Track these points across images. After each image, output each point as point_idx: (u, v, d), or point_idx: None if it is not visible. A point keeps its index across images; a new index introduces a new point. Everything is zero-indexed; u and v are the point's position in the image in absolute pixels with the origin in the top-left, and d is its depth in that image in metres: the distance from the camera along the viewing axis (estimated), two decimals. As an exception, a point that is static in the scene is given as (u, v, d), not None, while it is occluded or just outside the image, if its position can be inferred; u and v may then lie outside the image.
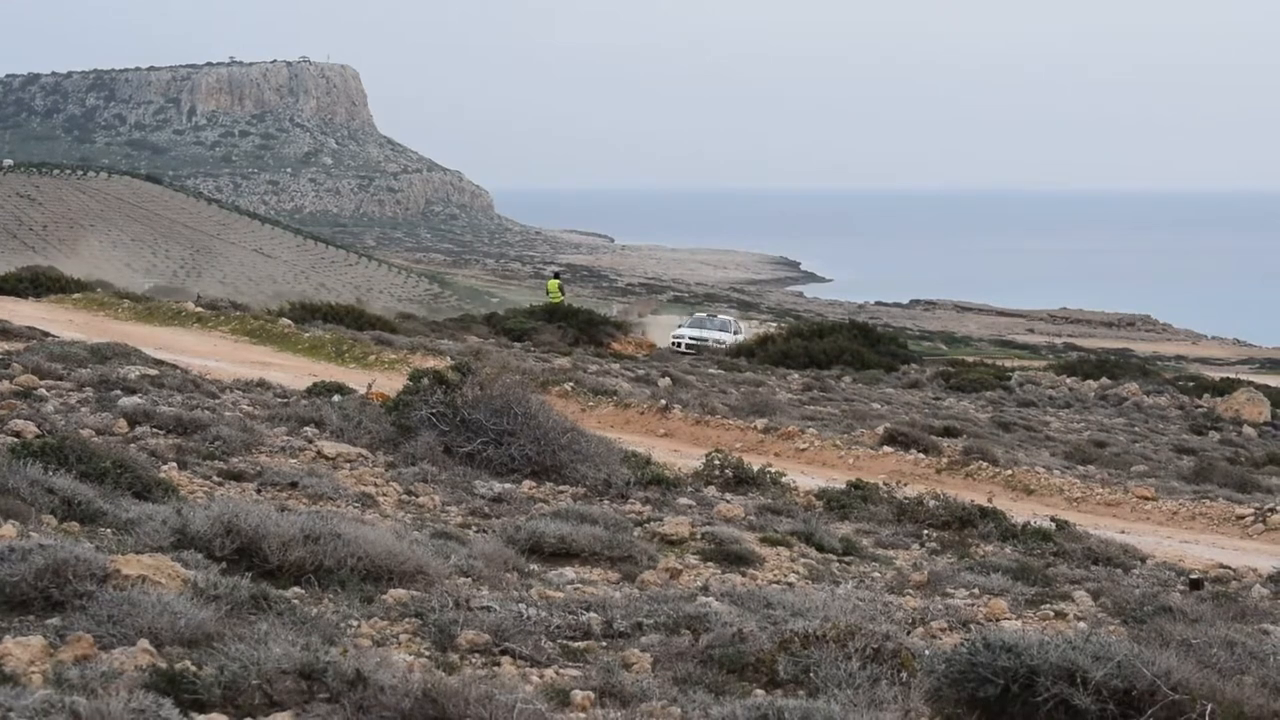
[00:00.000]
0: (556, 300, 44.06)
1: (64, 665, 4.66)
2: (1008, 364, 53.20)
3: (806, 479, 14.65)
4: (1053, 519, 12.75)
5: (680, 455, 15.97)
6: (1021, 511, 13.52)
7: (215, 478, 9.65)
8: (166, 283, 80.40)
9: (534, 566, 8.18)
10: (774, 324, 59.99)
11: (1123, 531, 14.14)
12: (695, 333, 45.93)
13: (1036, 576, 9.85)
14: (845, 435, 19.51)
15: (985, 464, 17.62)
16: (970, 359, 58.56)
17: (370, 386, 15.11)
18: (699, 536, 9.88)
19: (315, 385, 16.08)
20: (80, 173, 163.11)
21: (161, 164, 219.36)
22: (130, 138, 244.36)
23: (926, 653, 6.02)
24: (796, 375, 32.15)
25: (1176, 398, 36.29)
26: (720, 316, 53.38)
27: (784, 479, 13.48)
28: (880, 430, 19.66)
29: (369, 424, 12.45)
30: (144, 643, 4.93)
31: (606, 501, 11.13)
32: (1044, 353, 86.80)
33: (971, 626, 7.59)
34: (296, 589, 6.39)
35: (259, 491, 9.40)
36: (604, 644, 6.22)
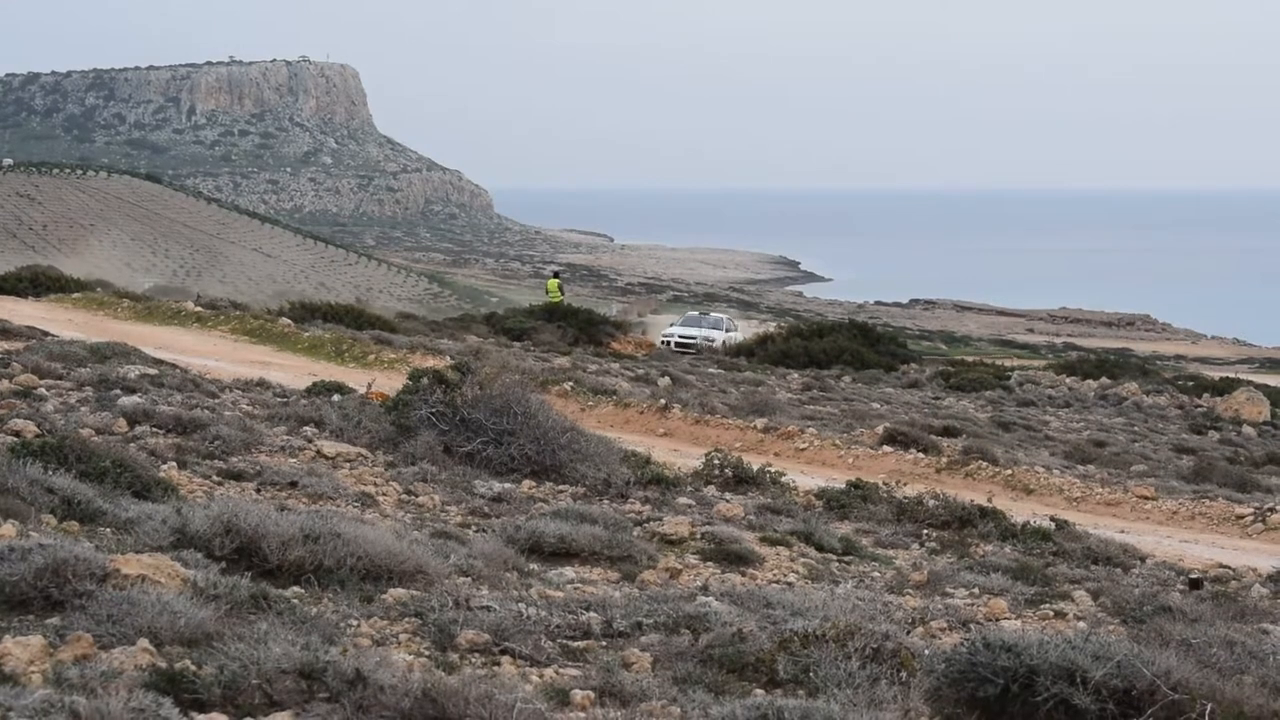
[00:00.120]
0: (556, 300, 44.04)
1: (64, 665, 4.66)
2: (1007, 364, 53.21)
3: (806, 478, 14.65)
4: (1052, 519, 12.75)
5: (680, 455, 15.97)
6: (1021, 511, 13.52)
7: (215, 477, 9.65)
8: (166, 282, 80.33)
9: (534, 566, 8.18)
10: (774, 323, 59.62)
11: (1122, 531, 14.14)
12: (685, 331, 45.17)
13: (1036, 576, 9.86)
14: (845, 435, 19.51)
15: (985, 464, 17.62)
16: (970, 359, 58.58)
17: (370, 386, 15.11)
18: (699, 536, 9.88)
19: (315, 385, 16.08)
20: (80, 172, 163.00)
21: (161, 163, 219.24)
22: (130, 137, 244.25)
23: (926, 652, 6.02)
24: (796, 375, 32.15)
25: (1176, 397, 36.28)
26: (713, 315, 52.11)
27: (784, 478, 13.48)
28: (880, 430, 19.66)
29: (369, 423, 12.45)
30: (144, 642, 4.92)
31: (606, 501, 11.13)
32: (1044, 352, 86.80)
33: (971, 626, 7.59)
34: (296, 588, 6.39)
35: (259, 491, 9.40)
36: (604, 643, 6.22)
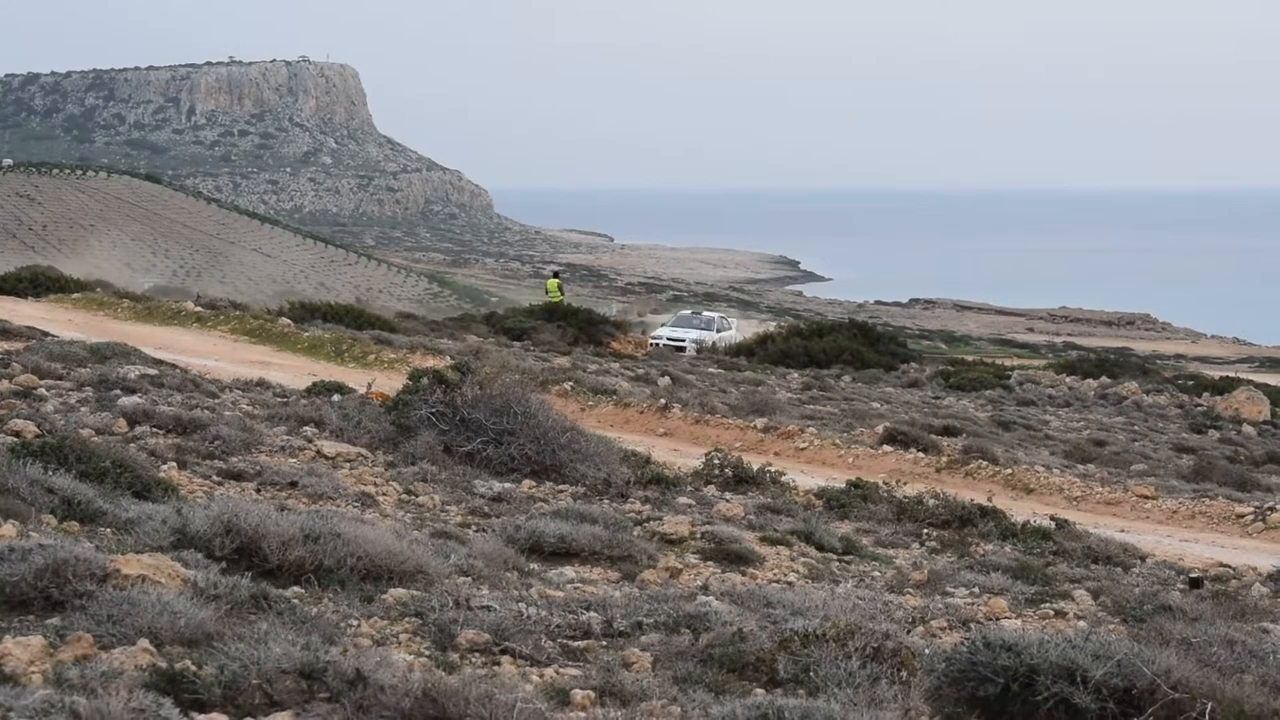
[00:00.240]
0: (556, 300, 44.03)
1: (64, 665, 4.66)
2: (1007, 363, 53.24)
3: (806, 478, 14.66)
4: (1052, 518, 12.75)
5: (680, 454, 15.97)
6: (1021, 510, 13.52)
7: (215, 477, 9.65)
8: (166, 282, 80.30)
9: (534, 566, 8.18)
10: (774, 323, 59.23)
11: (1122, 530, 14.15)
12: (673, 333, 43.40)
13: (1036, 575, 9.86)
14: (845, 434, 19.51)
15: (985, 463, 17.62)
16: (970, 358, 58.63)
17: (370, 386, 15.12)
18: (699, 536, 9.89)
19: (315, 385, 16.08)
20: (79, 172, 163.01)
21: (161, 163, 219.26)
22: (129, 137, 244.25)
23: (926, 652, 6.02)
24: (796, 374, 32.15)
25: (1176, 396, 36.27)
26: (705, 314, 50.07)
27: (784, 478, 13.48)
28: (880, 429, 19.66)
29: (369, 423, 12.45)
30: (144, 642, 4.92)
31: (606, 501, 11.13)
32: (1043, 351, 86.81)
33: (971, 625, 7.59)
34: (296, 588, 6.39)
35: (259, 491, 9.40)
36: (604, 643, 6.21)
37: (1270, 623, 8.56)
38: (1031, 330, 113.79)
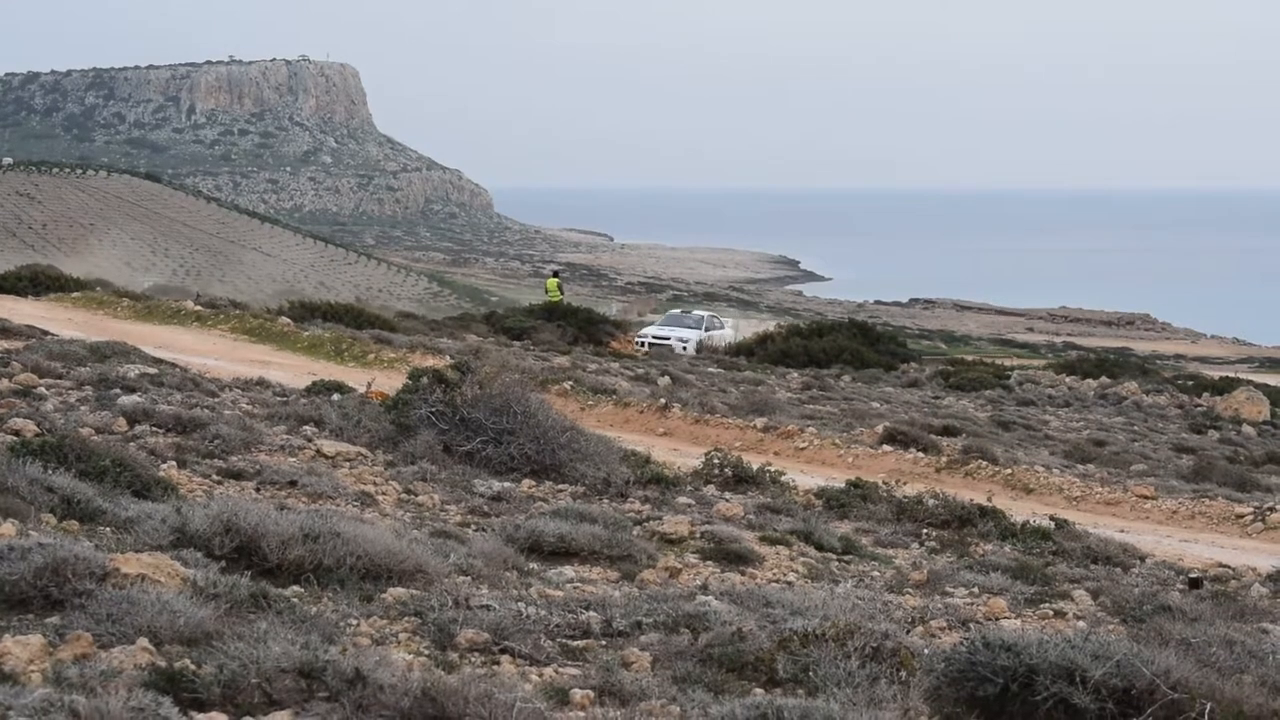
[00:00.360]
0: (555, 299, 44.00)
1: (63, 664, 4.66)
2: (1007, 363, 53.24)
3: (806, 478, 14.66)
4: (1052, 518, 12.75)
5: (679, 454, 15.97)
6: (1021, 510, 13.52)
7: (214, 476, 9.65)
8: (166, 281, 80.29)
9: (533, 565, 8.18)
10: (774, 322, 58.82)
11: (1122, 530, 14.15)
12: (658, 332, 41.53)
13: (1036, 575, 9.86)
14: (844, 434, 19.51)
15: (984, 463, 17.62)
16: (969, 358, 58.62)
17: (369, 385, 15.11)
18: (698, 535, 9.89)
19: (314, 384, 16.09)
20: (79, 171, 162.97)
21: (161, 162, 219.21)
22: (129, 136, 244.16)
23: (926, 651, 6.03)
24: (796, 374, 32.14)
25: (1176, 397, 36.27)
26: (695, 313, 47.43)
27: (783, 478, 13.48)
28: (879, 429, 19.66)
29: (368, 423, 12.46)
30: (143, 641, 4.92)
31: (606, 500, 11.13)
32: (1043, 351, 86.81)
33: (971, 625, 7.59)
34: (296, 587, 6.39)
35: (258, 490, 9.40)
36: (603, 643, 6.22)
37: (1269, 623, 8.56)
38: (1031, 330, 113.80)
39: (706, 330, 42.48)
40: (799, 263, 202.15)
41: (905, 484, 13.69)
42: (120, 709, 4.15)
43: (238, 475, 9.77)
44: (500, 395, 12.15)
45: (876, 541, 11.22)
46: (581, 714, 5.04)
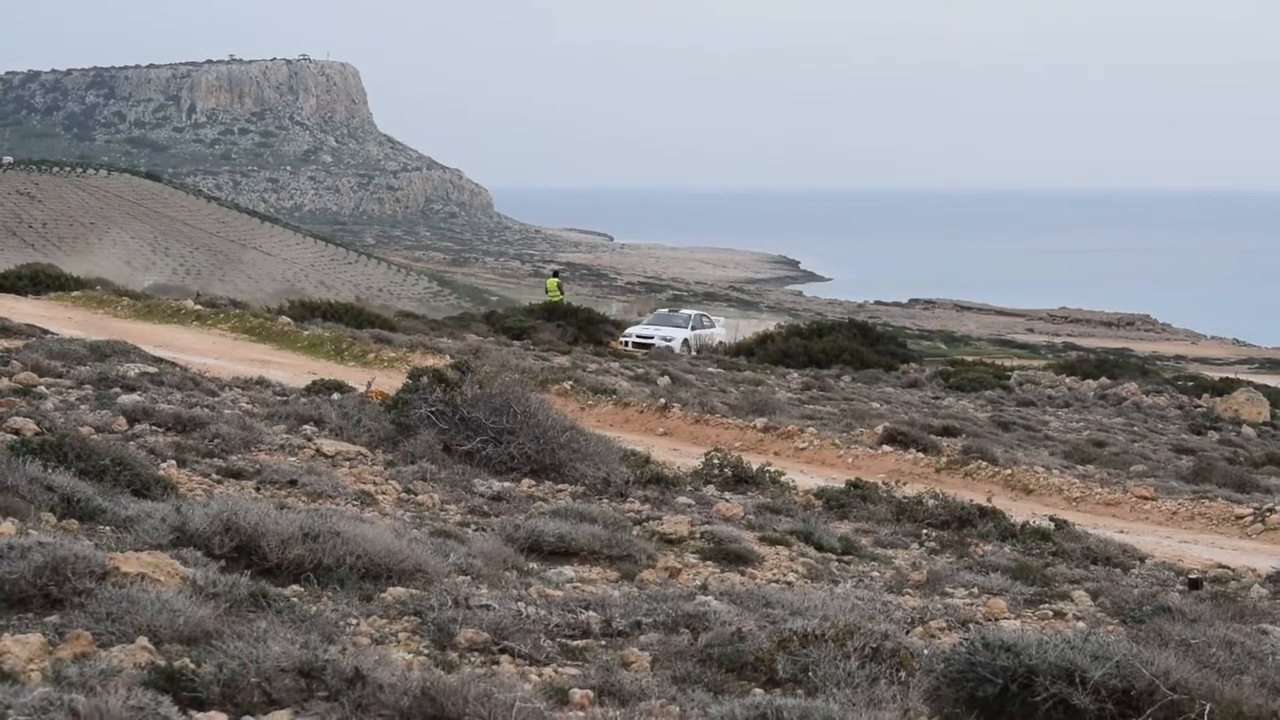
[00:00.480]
0: (555, 299, 44.00)
1: (63, 663, 4.66)
2: (1007, 363, 53.17)
3: (806, 478, 14.66)
4: (1052, 519, 12.75)
5: (679, 454, 15.97)
6: (1020, 511, 13.52)
7: (214, 475, 9.65)
8: (166, 280, 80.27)
9: (533, 565, 8.18)
10: (774, 322, 58.60)
11: (1122, 531, 14.15)
12: (642, 330, 40.79)
13: (1035, 576, 9.86)
14: (844, 434, 19.51)
15: (984, 463, 17.62)
16: (969, 358, 58.53)
17: (369, 384, 15.11)
18: (698, 535, 9.89)
19: (314, 383, 16.08)
20: (80, 170, 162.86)
21: (161, 161, 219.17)
22: (130, 135, 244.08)
23: (925, 652, 6.02)
24: (796, 374, 32.13)
25: (1176, 397, 36.26)
26: (684, 311, 46.21)
27: (783, 478, 13.48)
28: (879, 429, 19.66)
29: (368, 422, 12.46)
30: (143, 640, 4.92)
31: (606, 500, 11.13)
32: (1043, 352, 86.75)
33: (970, 626, 7.59)
34: (295, 587, 6.39)
35: (258, 489, 9.40)
36: (603, 643, 6.21)
37: (1269, 624, 8.56)
38: (1031, 331, 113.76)
39: (694, 329, 41.79)
40: (799, 263, 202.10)
41: (905, 484, 13.69)
42: (120, 708, 4.15)
43: (237, 474, 9.77)
44: (500, 395, 12.15)
45: (876, 542, 11.22)
46: (581, 714, 5.04)
